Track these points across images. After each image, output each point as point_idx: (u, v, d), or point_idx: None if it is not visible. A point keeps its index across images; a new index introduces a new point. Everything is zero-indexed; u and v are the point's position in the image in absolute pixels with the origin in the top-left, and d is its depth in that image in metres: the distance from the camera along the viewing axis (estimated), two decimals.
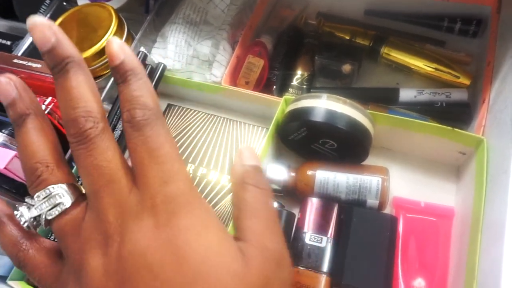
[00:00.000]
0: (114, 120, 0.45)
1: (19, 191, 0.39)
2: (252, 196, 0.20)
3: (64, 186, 0.19)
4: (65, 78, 0.18)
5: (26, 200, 0.19)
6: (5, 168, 0.37)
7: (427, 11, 0.46)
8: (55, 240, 0.20)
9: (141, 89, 0.19)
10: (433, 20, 0.46)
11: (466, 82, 0.42)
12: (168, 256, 0.17)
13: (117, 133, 0.44)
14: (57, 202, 0.19)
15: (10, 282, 0.38)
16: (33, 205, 0.19)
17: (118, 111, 0.45)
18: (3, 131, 0.40)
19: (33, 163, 0.19)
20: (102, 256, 0.17)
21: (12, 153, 0.38)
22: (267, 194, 0.21)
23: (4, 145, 0.39)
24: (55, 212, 0.19)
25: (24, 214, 0.19)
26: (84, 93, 0.19)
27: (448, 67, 0.43)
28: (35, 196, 0.19)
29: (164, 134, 0.19)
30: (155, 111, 0.19)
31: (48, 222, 0.19)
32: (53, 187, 0.19)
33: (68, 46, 0.19)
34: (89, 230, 0.18)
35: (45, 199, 0.19)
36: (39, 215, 0.19)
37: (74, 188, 0.19)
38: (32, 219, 0.19)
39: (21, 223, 0.19)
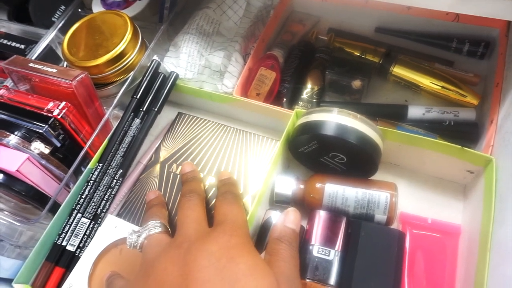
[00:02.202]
0: (126, 126, 0.45)
1: (28, 194, 0.40)
2: (283, 249, 0.29)
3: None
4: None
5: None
6: (17, 170, 0.37)
7: (436, 31, 0.48)
8: None
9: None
10: (442, 40, 0.47)
11: (474, 102, 0.43)
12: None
13: (128, 139, 0.45)
14: None
15: (15, 285, 0.37)
16: None
17: (129, 117, 0.45)
18: (15, 133, 0.40)
19: None
20: None
21: (25, 156, 0.38)
22: (296, 253, 0.30)
23: (17, 148, 0.39)
24: None
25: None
26: None
27: (456, 86, 0.44)
28: None
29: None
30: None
31: None
32: None
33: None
34: None
35: None
36: None
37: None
38: None
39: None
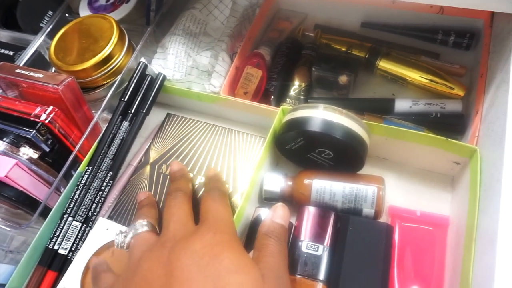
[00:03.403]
0: (114, 129, 0.45)
1: (19, 199, 0.40)
2: (271, 244, 0.28)
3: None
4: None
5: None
6: (5, 176, 0.38)
7: (422, 24, 0.48)
8: None
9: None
10: (428, 33, 0.47)
11: (460, 93, 0.43)
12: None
13: (117, 142, 0.45)
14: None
15: None
16: None
17: (117, 120, 0.45)
18: (4, 139, 0.41)
19: None
20: None
21: (13, 161, 0.38)
22: (285, 248, 0.29)
23: (5, 154, 0.40)
24: None
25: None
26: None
27: (442, 78, 0.44)
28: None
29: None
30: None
31: None
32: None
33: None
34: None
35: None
36: None
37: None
38: None
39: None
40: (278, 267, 0.27)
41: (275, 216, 0.31)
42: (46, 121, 0.41)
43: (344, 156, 0.37)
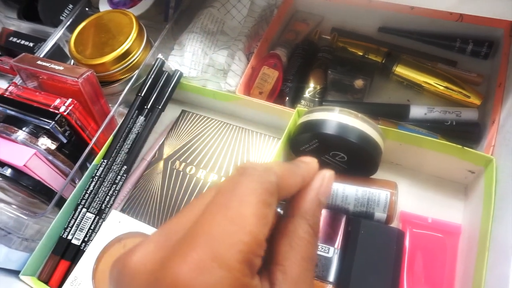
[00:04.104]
0: (130, 123, 0.46)
1: (35, 188, 0.41)
2: (308, 240, 0.18)
3: None
4: None
5: None
6: (24, 165, 0.38)
7: (440, 31, 0.47)
8: None
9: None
10: (446, 40, 0.47)
11: (477, 102, 0.43)
12: None
13: (132, 136, 0.45)
14: None
15: (22, 277, 0.38)
16: None
17: (134, 115, 0.46)
18: (23, 129, 0.41)
19: None
20: None
21: (32, 151, 0.39)
22: (317, 244, 0.19)
23: (24, 143, 0.40)
24: None
25: None
26: None
27: (458, 86, 0.44)
28: None
29: None
30: None
31: None
32: None
33: None
34: None
35: None
36: None
37: None
38: None
39: None
40: (308, 282, 0.18)
41: (322, 191, 0.20)
42: (65, 113, 0.41)
43: (358, 160, 0.38)
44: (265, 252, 0.16)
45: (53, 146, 0.42)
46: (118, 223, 0.41)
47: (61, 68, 0.43)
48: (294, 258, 0.18)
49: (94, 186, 0.43)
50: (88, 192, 0.43)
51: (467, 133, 0.42)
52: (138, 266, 0.15)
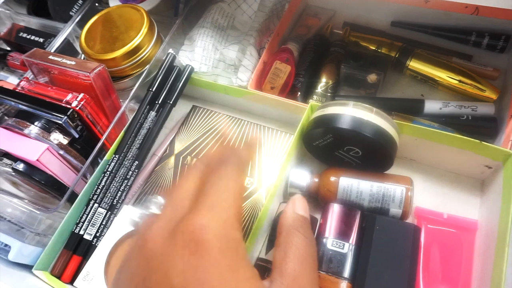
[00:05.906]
0: (141, 118, 0.46)
1: (48, 183, 0.40)
2: (299, 242, 0.22)
3: None
4: None
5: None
6: (37, 160, 0.38)
7: (454, 25, 0.47)
8: None
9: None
10: (461, 34, 0.46)
11: (493, 96, 0.42)
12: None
13: (144, 131, 0.45)
14: None
15: (35, 272, 0.38)
16: None
17: (145, 110, 0.46)
18: (35, 123, 0.41)
19: None
20: None
21: (45, 146, 0.39)
22: (313, 245, 0.23)
23: (37, 138, 0.40)
24: None
25: None
26: None
27: (474, 80, 0.43)
28: None
29: None
30: None
31: None
32: None
33: None
34: None
35: None
36: None
37: None
38: None
39: None
40: (307, 277, 0.21)
41: (297, 207, 0.25)
42: (77, 108, 0.41)
43: (373, 154, 0.37)
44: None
45: (65, 141, 0.42)
46: (129, 218, 0.40)
47: (73, 62, 0.43)
48: (288, 258, 0.21)
49: (106, 181, 0.43)
50: (99, 187, 0.43)
51: (483, 128, 0.41)
52: (157, 231, 0.19)
